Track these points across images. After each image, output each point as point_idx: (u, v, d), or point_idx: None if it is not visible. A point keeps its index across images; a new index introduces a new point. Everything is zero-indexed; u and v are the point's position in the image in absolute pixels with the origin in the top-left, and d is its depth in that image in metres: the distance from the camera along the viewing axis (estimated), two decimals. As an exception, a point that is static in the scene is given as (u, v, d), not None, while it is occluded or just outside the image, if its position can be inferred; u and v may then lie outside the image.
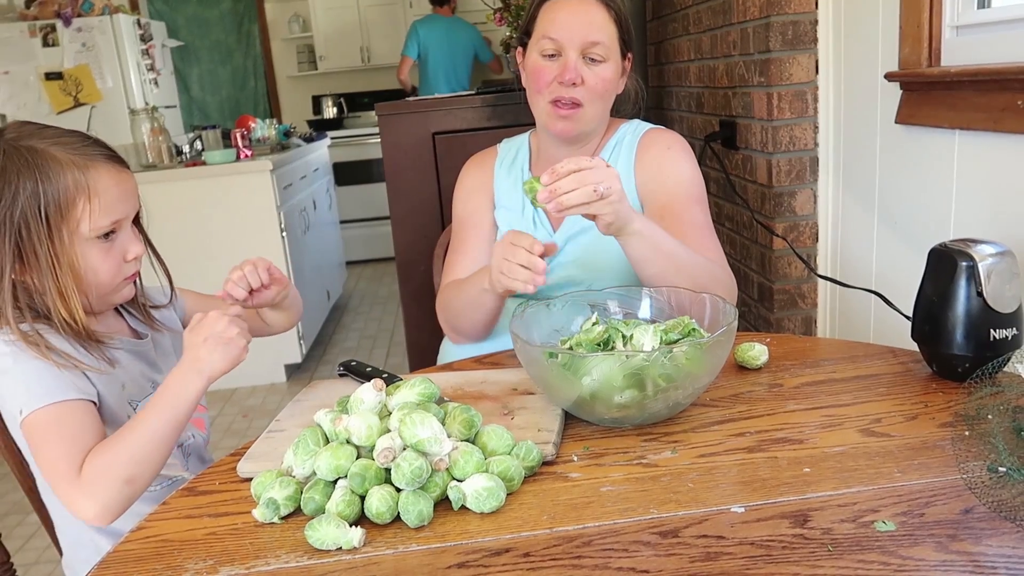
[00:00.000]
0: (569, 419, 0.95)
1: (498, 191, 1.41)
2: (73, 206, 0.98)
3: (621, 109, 1.40)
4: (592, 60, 1.26)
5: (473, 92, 2.27)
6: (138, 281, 1.14)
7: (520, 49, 1.36)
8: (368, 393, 0.85)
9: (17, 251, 0.97)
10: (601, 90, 1.28)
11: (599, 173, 1.00)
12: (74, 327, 1.00)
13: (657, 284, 1.12)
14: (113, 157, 1.04)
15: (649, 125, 1.39)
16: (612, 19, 1.28)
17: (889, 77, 1.49)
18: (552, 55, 1.27)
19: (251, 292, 1.09)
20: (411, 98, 2.36)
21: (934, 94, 1.38)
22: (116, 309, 1.14)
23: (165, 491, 1.06)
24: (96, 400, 1.01)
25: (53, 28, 4.77)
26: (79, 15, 4.78)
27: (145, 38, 5.14)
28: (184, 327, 1.21)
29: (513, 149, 1.45)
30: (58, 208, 0.98)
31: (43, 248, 0.97)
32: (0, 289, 0.98)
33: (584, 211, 1.02)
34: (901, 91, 1.48)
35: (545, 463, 0.85)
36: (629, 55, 1.35)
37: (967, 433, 0.81)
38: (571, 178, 0.99)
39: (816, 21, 1.76)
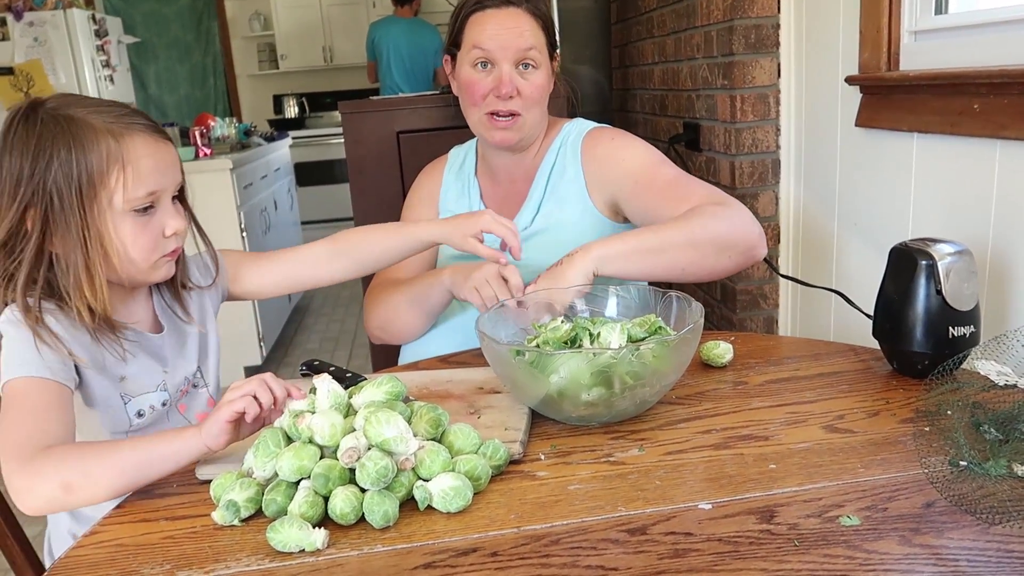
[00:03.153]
0: (536, 418, 0.95)
1: (445, 197, 1.43)
2: (107, 176, 0.94)
3: (555, 109, 1.41)
4: (526, 67, 1.26)
5: (437, 91, 2.25)
6: (182, 262, 1.09)
7: (448, 58, 1.36)
8: (323, 383, 0.83)
9: (49, 221, 0.93)
10: (537, 97, 1.28)
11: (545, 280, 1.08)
12: (93, 308, 0.95)
13: (664, 277, 1.13)
14: (153, 128, 0.99)
15: (591, 124, 1.39)
16: (539, 25, 1.29)
17: (849, 81, 1.51)
18: (484, 65, 1.27)
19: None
20: (374, 97, 2.34)
21: (893, 98, 1.41)
22: (148, 292, 1.10)
23: None
24: (73, 387, 0.95)
25: (3, 22, 4.63)
26: (31, 9, 4.66)
27: (100, 34, 5.02)
28: (222, 295, 1.18)
29: (461, 155, 1.47)
30: (90, 177, 0.93)
31: (74, 219, 0.93)
32: (23, 259, 0.94)
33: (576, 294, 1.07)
34: (861, 95, 1.51)
35: (512, 462, 0.84)
36: (556, 55, 1.36)
37: (927, 429, 0.83)
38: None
39: (778, 25, 1.79)
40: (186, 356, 1.11)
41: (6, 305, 0.96)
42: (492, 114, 1.28)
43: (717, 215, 1.13)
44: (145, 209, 0.98)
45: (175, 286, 1.10)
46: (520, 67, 1.26)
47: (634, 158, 1.30)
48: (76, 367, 0.97)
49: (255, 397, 0.84)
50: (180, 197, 1.05)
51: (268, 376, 0.87)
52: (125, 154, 0.95)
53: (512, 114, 1.27)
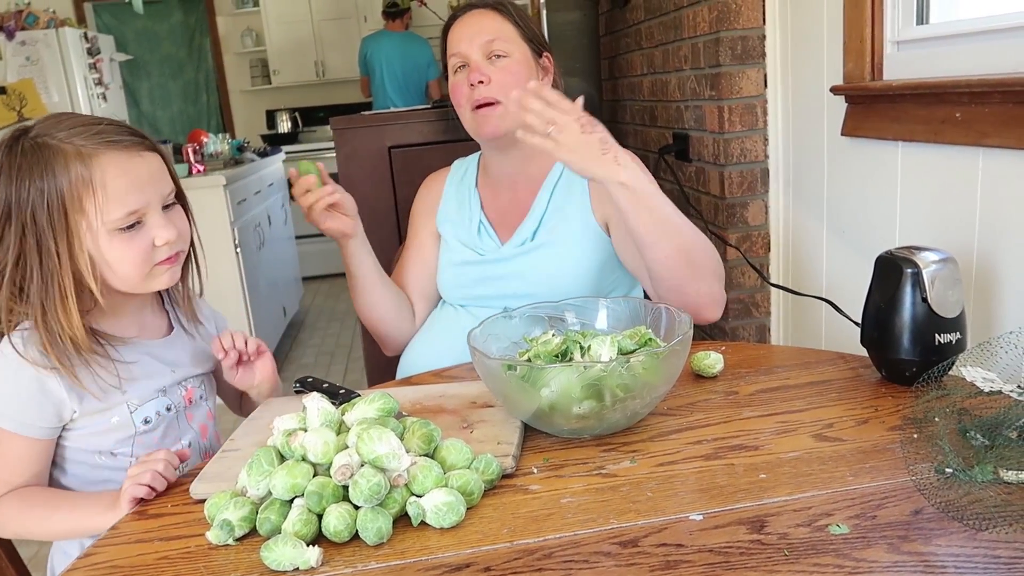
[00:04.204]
0: (529, 431, 0.95)
1: (445, 208, 1.45)
2: (81, 201, 0.94)
3: None
4: (496, 56, 1.31)
5: (429, 106, 2.27)
6: (192, 272, 1.11)
7: (447, 81, 1.41)
8: (312, 402, 0.84)
9: (33, 250, 0.95)
10: (512, 82, 1.30)
11: (558, 116, 1.05)
12: (68, 331, 0.96)
13: (642, 243, 1.13)
14: (129, 143, 0.97)
15: None
16: (507, 20, 1.34)
17: (834, 91, 1.53)
18: (462, 68, 1.33)
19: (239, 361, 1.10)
20: (366, 112, 2.35)
21: (877, 107, 1.42)
22: (161, 303, 1.13)
23: None
24: (49, 435, 1.00)
25: (-5, 41, 4.64)
26: (23, 28, 4.66)
27: (92, 52, 5.03)
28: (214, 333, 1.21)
29: (463, 167, 1.50)
30: (62, 205, 0.94)
31: (53, 246, 0.94)
32: (13, 289, 0.97)
33: (536, 143, 1.07)
34: (846, 104, 1.53)
35: (505, 476, 0.85)
36: (546, 55, 1.39)
37: (915, 436, 0.84)
38: (538, 105, 1.06)
39: (764, 36, 1.80)
40: (197, 359, 1.14)
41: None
42: (476, 108, 1.31)
43: (715, 254, 1.19)
44: (131, 226, 0.97)
45: (184, 296, 1.13)
46: (493, 58, 1.31)
47: None
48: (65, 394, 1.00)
49: (152, 484, 0.89)
50: (181, 201, 1.06)
51: (163, 464, 0.90)
52: (95, 177, 0.94)
53: (490, 103, 1.30)
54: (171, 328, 1.12)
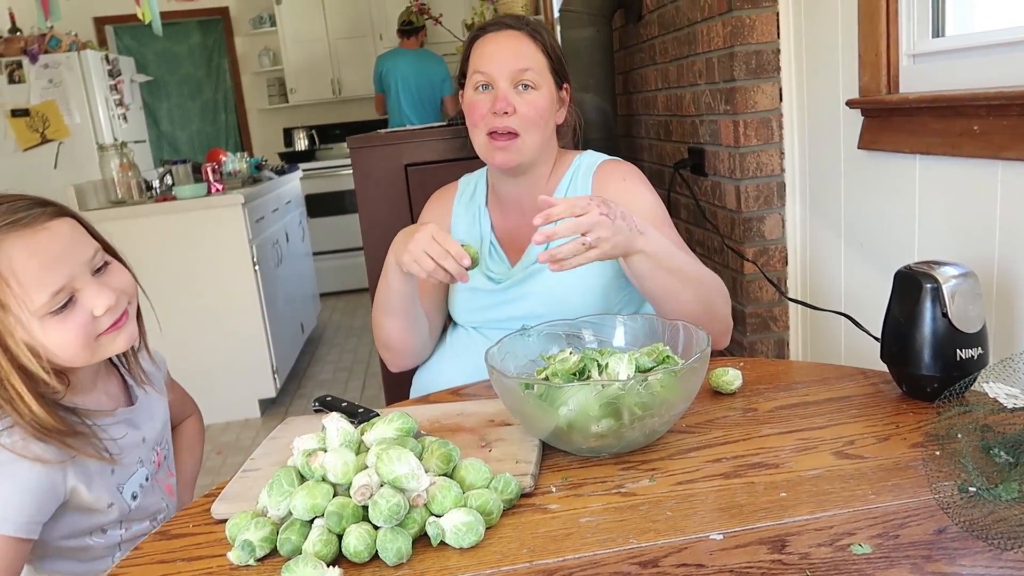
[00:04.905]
0: (547, 450, 0.95)
1: (455, 224, 1.44)
2: None
3: (561, 139, 1.43)
4: (524, 87, 1.29)
5: (444, 123, 2.28)
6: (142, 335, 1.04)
7: (461, 92, 1.39)
8: (332, 423, 0.85)
9: None
10: (535, 117, 1.29)
11: (587, 220, 1.03)
12: (42, 424, 0.90)
13: (659, 299, 1.15)
14: (27, 221, 0.88)
15: (603, 156, 1.40)
16: (540, 49, 1.31)
17: (850, 104, 1.52)
18: (485, 88, 1.30)
19: None
20: (382, 130, 2.37)
21: (894, 120, 1.42)
22: (117, 371, 1.08)
23: None
24: (36, 535, 0.92)
25: (19, 64, 4.73)
26: (46, 51, 4.75)
27: (113, 73, 5.11)
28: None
29: (472, 184, 1.48)
30: None
31: None
32: None
33: (582, 262, 1.05)
34: (863, 117, 1.52)
35: (524, 495, 0.85)
36: (566, 86, 1.38)
37: (938, 453, 0.83)
38: (565, 225, 1.03)
39: (778, 50, 1.80)
40: (155, 419, 1.11)
41: None
42: (491, 134, 1.29)
43: (722, 286, 1.23)
44: (64, 306, 0.89)
45: (133, 355, 1.07)
46: (520, 88, 1.29)
47: (642, 212, 1.28)
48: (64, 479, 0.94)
49: None
50: (114, 254, 0.98)
51: None
52: (2, 268, 0.86)
53: (510, 133, 1.28)
54: (127, 387, 1.07)
